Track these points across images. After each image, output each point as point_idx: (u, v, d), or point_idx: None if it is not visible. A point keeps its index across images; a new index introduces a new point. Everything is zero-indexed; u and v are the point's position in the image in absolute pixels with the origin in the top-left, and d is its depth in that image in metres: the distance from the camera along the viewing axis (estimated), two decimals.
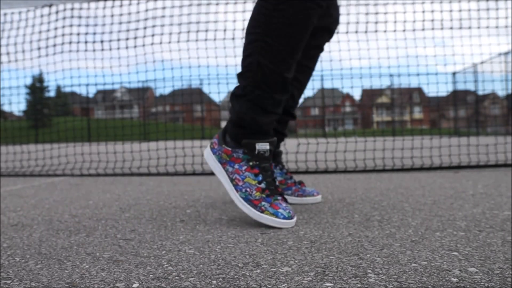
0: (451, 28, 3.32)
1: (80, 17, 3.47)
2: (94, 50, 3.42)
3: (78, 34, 3.48)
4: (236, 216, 1.33)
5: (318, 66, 1.64)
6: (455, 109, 20.20)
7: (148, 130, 13.02)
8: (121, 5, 3.36)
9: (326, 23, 1.44)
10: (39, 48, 3.51)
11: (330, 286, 0.70)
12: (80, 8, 3.46)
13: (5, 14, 3.59)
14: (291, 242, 1.00)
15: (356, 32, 3.26)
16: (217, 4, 3.32)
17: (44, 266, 0.85)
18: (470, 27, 3.35)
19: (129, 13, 3.37)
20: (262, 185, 1.18)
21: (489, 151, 3.60)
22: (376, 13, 3.30)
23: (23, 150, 4.10)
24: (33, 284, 0.74)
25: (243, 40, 1.26)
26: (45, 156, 4.09)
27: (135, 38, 3.32)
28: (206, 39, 3.31)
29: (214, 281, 0.74)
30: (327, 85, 9.73)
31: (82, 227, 1.21)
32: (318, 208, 1.43)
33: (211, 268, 0.81)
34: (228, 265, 0.83)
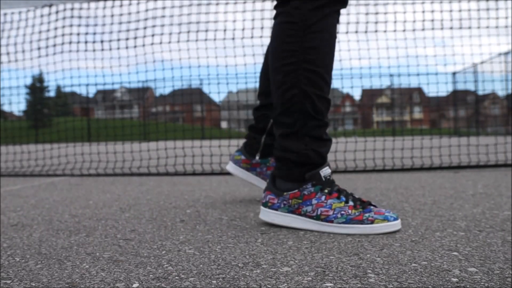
0: (451, 28, 3.33)
1: (80, 17, 3.47)
2: (94, 50, 3.42)
3: (78, 34, 3.48)
4: (236, 216, 1.33)
5: None
6: (455, 109, 20.19)
7: (148, 130, 13.04)
8: (121, 5, 3.36)
9: None
10: (39, 48, 3.51)
11: (330, 286, 0.70)
12: (80, 8, 3.45)
13: (5, 14, 3.59)
14: (291, 242, 1.00)
15: (356, 32, 3.26)
16: (217, 4, 3.32)
17: (44, 266, 0.85)
18: (470, 27, 3.35)
19: (129, 13, 3.37)
20: (351, 203, 1.11)
21: (489, 151, 3.60)
22: (376, 13, 3.30)
23: (23, 150, 4.10)
24: (33, 284, 0.74)
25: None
26: (45, 156, 4.09)
27: (135, 38, 3.32)
28: (206, 39, 3.32)
29: (214, 281, 0.74)
30: None
31: (82, 227, 1.21)
32: None
33: (211, 268, 0.81)
34: (228, 265, 0.83)
